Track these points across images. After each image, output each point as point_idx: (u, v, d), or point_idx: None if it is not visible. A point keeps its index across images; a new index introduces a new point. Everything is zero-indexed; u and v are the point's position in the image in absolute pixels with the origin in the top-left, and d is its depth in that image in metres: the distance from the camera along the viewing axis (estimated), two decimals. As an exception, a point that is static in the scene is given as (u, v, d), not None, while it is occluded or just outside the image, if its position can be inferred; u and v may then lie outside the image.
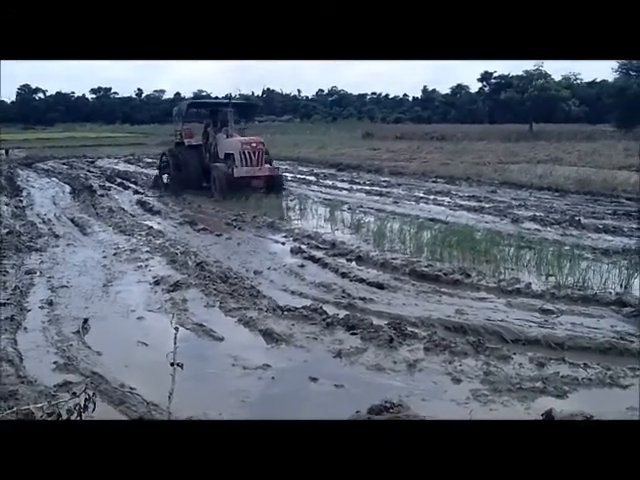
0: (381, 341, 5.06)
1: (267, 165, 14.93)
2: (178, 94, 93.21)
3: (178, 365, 3.13)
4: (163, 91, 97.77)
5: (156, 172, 17.23)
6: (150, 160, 27.66)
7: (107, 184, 17.50)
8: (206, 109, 17.69)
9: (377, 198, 14.29)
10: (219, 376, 4.60)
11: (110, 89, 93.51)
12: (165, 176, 16.40)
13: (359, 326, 5.37)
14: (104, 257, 8.35)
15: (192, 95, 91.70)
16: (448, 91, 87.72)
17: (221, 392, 4.33)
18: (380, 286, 6.75)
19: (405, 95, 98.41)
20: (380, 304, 6.14)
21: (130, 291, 6.77)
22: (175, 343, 3.24)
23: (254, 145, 14.52)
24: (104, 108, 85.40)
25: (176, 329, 3.42)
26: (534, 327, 5.36)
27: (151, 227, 10.45)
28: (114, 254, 8.49)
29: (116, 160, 27.87)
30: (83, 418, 3.09)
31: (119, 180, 18.51)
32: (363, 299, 6.26)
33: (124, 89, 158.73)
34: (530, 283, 6.59)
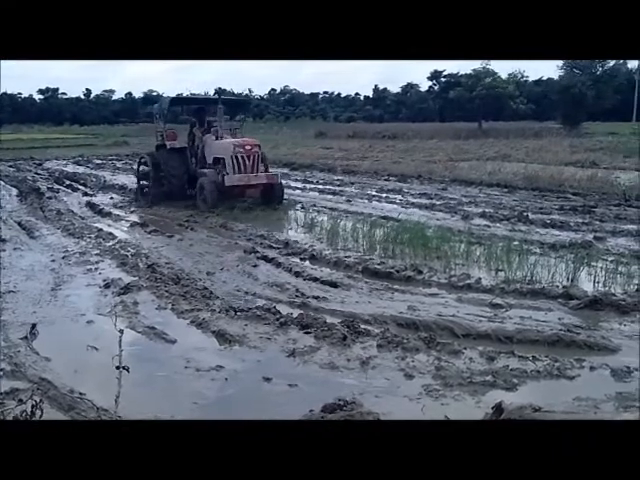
0: (334, 339, 5.07)
1: (264, 172, 12.89)
2: (129, 94, 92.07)
3: (124, 368, 3.09)
4: (113, 91, 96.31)
5: (127, 179, 15.48)
6: (99, 161, 27.28)
7: (55, 186, 17.11)
8: (191, 106, 15.45)
9: (330, 197, 14.35)
10: (171, 379, 4.54)
11: (58, 89, 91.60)
12: (144, 184, 14.17)
13: (313, 325, 5.38)
14: (52, 261, 8.17)
15: (142, 95, 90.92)
16: (399, 90, 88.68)
17: (174, 394, 4.29)
18: (333, 284, 6.77)
19: (357, 94, 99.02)
20: (334, 302, 6.16)
21: (79, 295, 6.64)
22: (120, 346, 3.19)
23: (248, 148, 12.41)
24: (52, 109, 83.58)
25: (121, 331, 3.37)
26: (484, 321, 5.45)
27: (101, 229, 10.27)
28: (63, 257, 8.32)
29: (65, 162, 27.27)
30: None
31: (68, 182, 18.13)
32: (317, 298, 6.27)
33: (72, 89, 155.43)
34: (480, 278, 6.71)
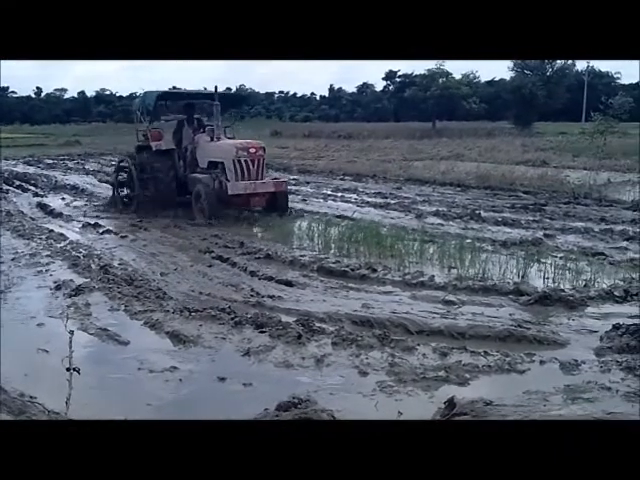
0: (289, 338, 5.08)
1: (270, 178, 11.75)
2: (82, 93, 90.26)
3: (75, 370, 3.05)
4: (65, 90, 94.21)
5: (104, 185, 13.74)
6: (51, 161, 26.72)
7: (4, 187, 16.69)
8: (178, 103, 13.70)
9: (285, 196, 14.31)
10: (124, 380, 4.49)
11: (7, 88, 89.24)
12: (124, 192, 12.70)
13: (268, 324, 5.37)
14: (1, 262, 7.97)
15: (95, 94, 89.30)
16: (354, 90, 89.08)
17: (127, 396, 4.23)
18: (289, 283, 6.78)
19: (313, 94, 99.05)
20: (289, 301, 6.17)
21: (30, 297, 6.50)
22: (70, 347, 3.14)
23: (253, 151, 10.91)
24: (2, 108, 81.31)
25: (71, 332, 3.31)
26: (437, 318, 5.53)
27: (52, 230, 10.06)
28: (12, 259, 8.12)
29: (15, 162, 26.59)
30: None
31: (18, 182, 17.71)
32: (272, 297, 6.27)
33: (23, 88, 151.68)
34: (433, 276, 6.79)
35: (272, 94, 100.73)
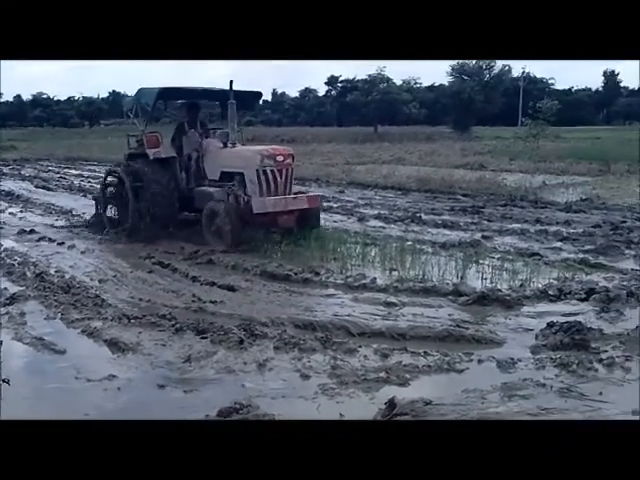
0: (231, 343, 5.05)
1: (303, 192, 9.80)
2: (18, 96, 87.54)
3: (4, 381, 2.97)
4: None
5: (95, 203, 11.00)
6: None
7: None
8: (178, 102, 11.47)
9: (228, 201, 14.21)
10: (61, 390, 4.37)
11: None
12: (112, 209, 10.52)
13: (209, 330, 5.32)
14: None
15: (31, 97, 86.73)
16: (297, 94, 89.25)
17: (64, 406, 4.12)
18: (231, 288, 6.74)
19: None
20: (231, 306, 6.13)
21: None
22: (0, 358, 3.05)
23: (281, 159, 8.94)
24: None
25: (-1, 342, 3.22)
26: (378, 320, 5.59)
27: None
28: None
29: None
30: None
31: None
32: (214, 302, 6.22)
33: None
34: (375, 278, 6.86)
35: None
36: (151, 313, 5.77)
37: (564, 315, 5.56)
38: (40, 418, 3.47)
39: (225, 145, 9.65)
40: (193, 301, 6.26)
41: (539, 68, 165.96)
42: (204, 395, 4.25)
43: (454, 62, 56.06)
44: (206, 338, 5.20)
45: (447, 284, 6.64)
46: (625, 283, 6.60)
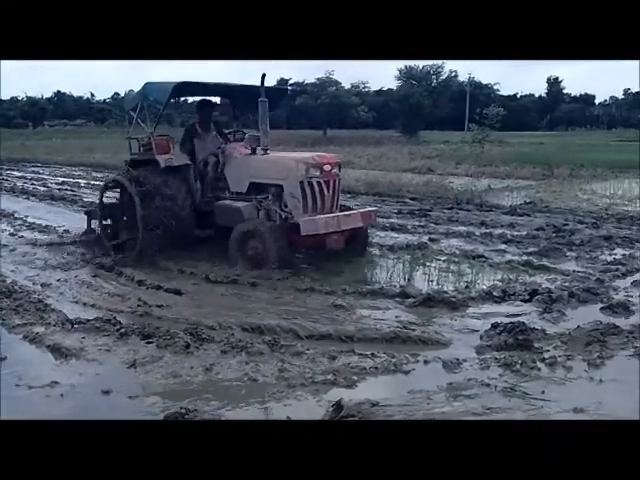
0: (177, 347, 4.98)
1: (356, 208, 8.49)
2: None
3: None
4: None
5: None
6: None
7: None
8: (201, 99, 9.33)
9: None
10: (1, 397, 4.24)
11: None
12: (109, 227, 8.87)
13: (155, 334, 5.24)
14: None
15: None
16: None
17: (3, 414, 4.00)
18: (178, 292, 6.66)
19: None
20: (177, 310, 6.06)
21: None
22: None
23: (328, 169, 7.58)
24: None
25: None
26: (327, 322, 5.60)
27: None
28: None
29: None
30: None
31: None
32: (160, 306, 6.14)
33: None
34: (322, 281, 6.87)
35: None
36: (95, 318, 5.65)
37: (508, 316, 5.67)
38: (40, 418, 3.52)
39: (254, 151, 8.09)
40: (139, 305, 6.15)
41: (485, 73, 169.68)
42: (149, 400, 4.18)
43: (402, 66, 56.92)
44: (152, 343, 5.11)
45: (394, 286, 6.70)
46: (567, 284, 6.77)
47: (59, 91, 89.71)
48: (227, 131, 9.00)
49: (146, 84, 8.68)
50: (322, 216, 7.34)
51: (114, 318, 5.63)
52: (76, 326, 5.50)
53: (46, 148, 32.24)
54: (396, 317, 5.81)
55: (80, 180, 19.20)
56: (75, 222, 10.71)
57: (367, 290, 6.53)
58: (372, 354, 4.88)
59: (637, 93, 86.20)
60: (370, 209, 8.63)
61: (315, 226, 7.20)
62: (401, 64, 56.93)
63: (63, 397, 4.24)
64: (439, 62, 55.80)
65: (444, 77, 58.31)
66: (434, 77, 57.53)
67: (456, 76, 61.33)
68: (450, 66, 56.71)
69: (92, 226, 9.28)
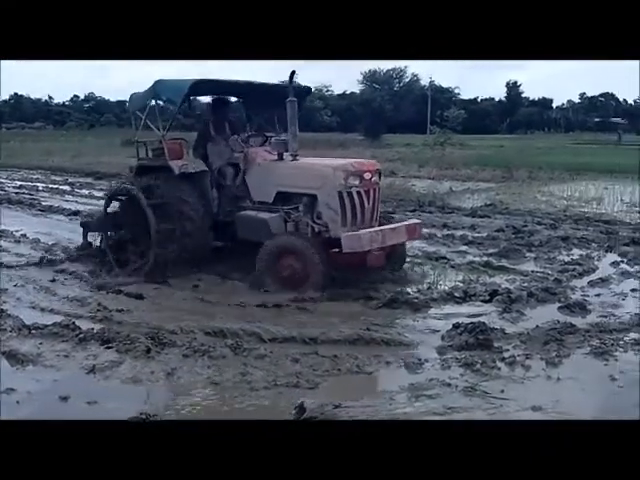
0: (138, 352, 4.91)
1: (399, 220, 7.82)
2: None
3: None
4: None
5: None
6: None
7: None
8: (215, 98, 8.56)
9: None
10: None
11: None
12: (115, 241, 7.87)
13: (115, 339, 5.16)
14: None
15: None
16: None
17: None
18: (139, 297, 6.58)
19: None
20: (138, 315, 5.98)
21: None
22: None
23: (368, 177, 6.84)
24: None
25: None
26: (290, 325, 5.58)
27: None
28: None
29: None
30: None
31: None
32: (121, 311, 6.05)
33: None
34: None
35: (124, 102, 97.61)
36: (53, 323, 5.54)
37: (469, 316, 5.73)
38: (40, 418, 3.54)
39: (281, 157, 7.28)
40: (99, 310, 6.04)
41: (445, 78, 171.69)
42: (109, 406, 4.11)
43: (365, 70, 57.28)
44: (112, 348, 5.04)
45: (358, 288, 6.70)
46: (526, 284, 6.89)
47: (16, 93, 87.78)
48: (247, 134, 8.13)
49: (157, 82, 7.84)
50: (366, 231, 6.53)
51: (73, 323, 5.53)
52: (33, 332, 5.39)
53: (3, 151, 31.51)
54: (360, 319, 5.82)
55: (38, 184, 18.83)
56: (32, 227, 10.52)
57: (331, 293, 6.52)
58: (335, 356, 4.88)
59: (592, 97, 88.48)
60: (415, 221, 7.66)
61: (359, 242, 6.39)
62: (365, 67, 57.34)
63: (19, 404, 4.14)
64: (402, 66, 56.31)
65: (406, 81, 58.93)
66: (396, 81, 58.09)
67: (418, 80, 62.09)
68: (412, 69, 57.38)
69: (88, 240, 8.41)
